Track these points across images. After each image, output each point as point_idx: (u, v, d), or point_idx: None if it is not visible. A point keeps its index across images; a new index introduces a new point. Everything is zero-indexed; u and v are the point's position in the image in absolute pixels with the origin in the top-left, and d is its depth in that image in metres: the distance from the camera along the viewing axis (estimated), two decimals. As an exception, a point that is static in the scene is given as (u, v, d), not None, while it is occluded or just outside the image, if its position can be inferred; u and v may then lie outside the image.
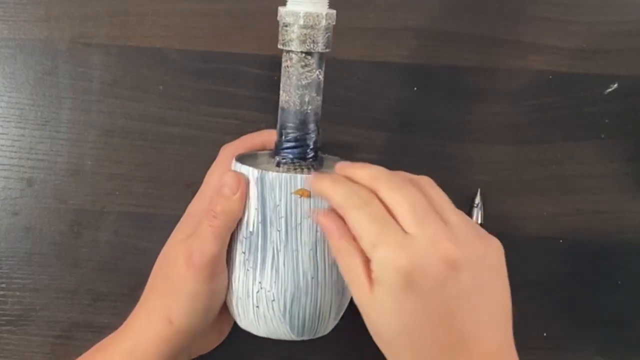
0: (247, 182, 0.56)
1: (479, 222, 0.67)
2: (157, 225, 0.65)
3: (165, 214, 0.63)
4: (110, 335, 0.61)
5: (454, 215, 0.53)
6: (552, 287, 0.69)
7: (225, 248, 0.57)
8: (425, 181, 0.55)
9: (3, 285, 0.67)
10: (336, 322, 0.60)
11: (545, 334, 0.69)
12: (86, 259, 0.67)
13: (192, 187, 0.63)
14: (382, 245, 0.51)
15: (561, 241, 0.69)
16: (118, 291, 0.67)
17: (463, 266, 0.51)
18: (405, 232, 0.51)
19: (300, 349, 0.68)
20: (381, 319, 0.52)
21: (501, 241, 0.67)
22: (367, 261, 0.52)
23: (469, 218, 0.55)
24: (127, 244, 0.67)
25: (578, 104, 0.69)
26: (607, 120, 0.69)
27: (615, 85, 0.69)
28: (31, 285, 0.67)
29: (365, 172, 0.54)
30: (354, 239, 0.52)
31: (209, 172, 0.62)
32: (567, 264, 0.69)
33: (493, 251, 0.54)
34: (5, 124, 0.67)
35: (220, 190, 0.56)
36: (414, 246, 0.50)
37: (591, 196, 0.69)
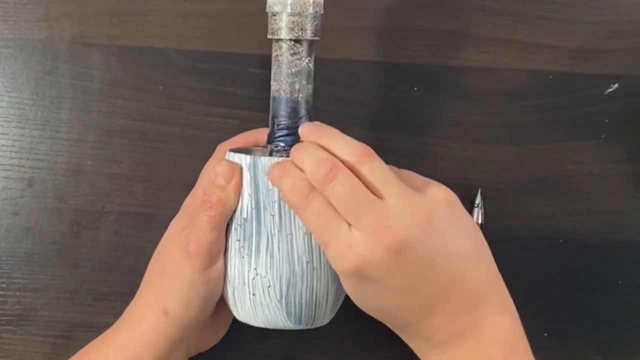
0: (241, 171, 0.57)
1: (479, 222, 0.67)
2: (157, 225, 0.65)
3: (165, 214, 0.63)
4: (106, 331, 0.61)
5: (388, 189, 0.53)
6: (552, 287, 0.69)
7: (222, 237, 0.57)
8: (357, 157, 0.54)
9: (3, 285, 0.67)
10: (334, 312, 0.59)
11: (545, 334, 0.69)
12: (86, 259, 0.67)
13: (192, 187, 0.63)
14: (330, 246, 0.53)
15: (561, 241, 0.69)
16: (118, 291, 0.67)
17: (409, 243, 0.52)
18: (349, 224, 0.52)
19: (300, 348, 0.68)
20: (353, 300, 0.55)
21: (501, 241, 0.67)
22: None
23: (402, 182, 0.54)
24: (127, 244, 0.67)
25: (578, 104, 0.69)
26: (607, 120, 0.69)
27: (615, 85, 0.69)
28: (31, 285, 0.67)
29: (302, 161, 0.54)
30: None
31: (204, 168, 0.63)
32: (567, 264, 0.69)
33: (436, 206, 0.54)
34: (6, 124, 0.67)
35: (214, 180, 0.57)
36: (358, 243, 0.52)
37: (591, 196, 0.69)
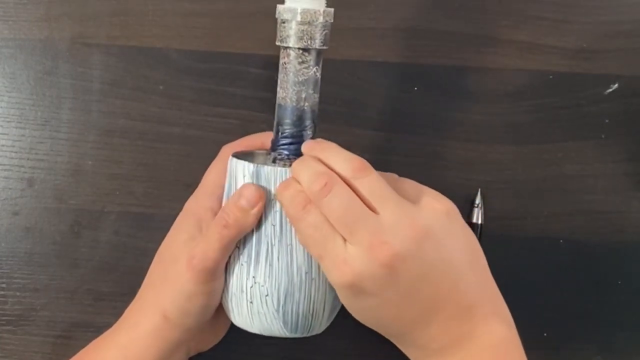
0: (266, 199, 0.56)
1: (479, 222, 0.67)
2: (157, 225, 0.65)
3: (165, 214, 0.63)
4: (107, 331, 0.61)
5: (384, 203, 0.53)
6: (552, 287, 0.69)
7: (228, 255, 0.57)
8: (353, 171, 0.54)
9: (3, 285, 0.67)
10: (330, 320, 0.59)
11: (545, 334, 0.69)
12: (86, 259, 0.67)
13: (192, 187, 0.63)
14: (325, 259, 0.53)
15: (561, 241, 0.69)
16: (118, 291, 0.67)
17: (404, 258, 0.52)
18: (344, 238, 0.52)
19: (299, 349, 0.68)
20: (349, 310, 0.55)
21: (501, 241, 0.68)
22: None
23: (399, 196, 0.54)
24: (127, 244, 0.67)
25: (578, 104, 0.69)
26: (607, 120, 0.69)
27: (615, 86, 0.69)
28: (31, 285, 0.67)
29: (300, 174, 0.54)
30: None
31: (208, 170, 0.62)
32: (567, 264, 0.69)
33: (434, 218, 0.54)
34: (6, 124, 0.67)
35: (237, 201, 0.56)
36: (353, 258, 0.52)
37: (591, 196, 0.69)
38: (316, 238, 0.53)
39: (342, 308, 0.59)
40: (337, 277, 0.52)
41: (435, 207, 0.54)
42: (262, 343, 0.67)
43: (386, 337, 0.57)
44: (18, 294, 0.67)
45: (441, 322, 0.54)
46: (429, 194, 0.56)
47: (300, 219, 0.53)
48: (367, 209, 0.52)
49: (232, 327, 0.64)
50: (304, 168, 0.54)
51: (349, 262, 0.52)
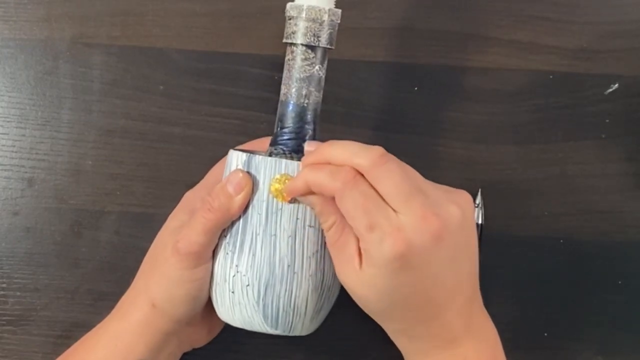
0: (254, 187, 0.56)
1: (479, 222, 0.67)
2: (158, 225, 0.65)
3: (165, 214, 0.63)
4: (100, 322, 0.61)
5: (427, 182, 0.54)
6: (552, 287, 0.69)
7: (214, 241, 0.57)
8: (379, 157, 0.54)
9: (3, 285, 0.67)
10: (315, 324, 0.59)
11: (545, 334, 0.69)
12: (87, 259, 0.67)
13: (192, 187, 0.63)
14: (378, 228, 0.52)
15: (561, 241, 0.69)
16: (119, 291, 0.66)
17: (447, 234, 0.52)
18: (395, 210, 0.52)
19: (296, 349, 0.68)
20: (371, 295, 0.54)
21: (501, 241, 0.68)
22: (356, 238, 0.53)
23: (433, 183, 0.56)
24: (128, 244, 0.67)
25: (578, 104, 0.69)
26: (607, 120, 0.69)
27: (616, 85, 0.69)
28: (32, 285, 0.67)
29: (342, 152, 0.53)
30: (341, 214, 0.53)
31: (213, 168, 0.63)
32: (567, 264, 0.69)
33: (465, 208, 0.55)
34: (6, 124, 0.67)
35: (223, 186, 0.56)
36: (406, 226, 0.51)
37: (591, 196, 0.69)
38: (367, 206, 0.52)
39: (341, 307, 0.59)
40: (389, 245, 0.51)
41: (462, 194, 0.55)
42: (260, 342, 0.67)
43: (396, 328, 0.57)
44: (18, 294, 0.67)
45: (457, 307, 0.54)
46: (444, 186, 0.57)
47: (352, 187, 0.52)
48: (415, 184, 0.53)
49: (228, 325, 0.64)
50: (344, 146, 0.53)
51: (401, 231, 0.51)
